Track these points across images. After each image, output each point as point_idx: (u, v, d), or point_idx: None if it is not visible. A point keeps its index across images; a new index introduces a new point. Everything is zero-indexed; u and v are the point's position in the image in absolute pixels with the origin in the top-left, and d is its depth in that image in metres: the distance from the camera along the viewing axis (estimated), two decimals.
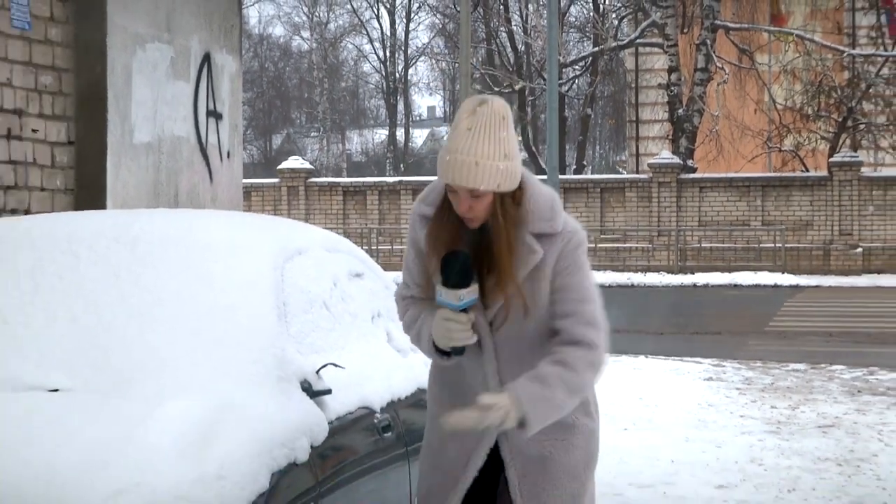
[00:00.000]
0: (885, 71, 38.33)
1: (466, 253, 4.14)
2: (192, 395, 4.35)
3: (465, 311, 4.12)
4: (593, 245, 35.55)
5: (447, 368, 4.34)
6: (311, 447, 4.52)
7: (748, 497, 8.59)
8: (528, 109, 45.39)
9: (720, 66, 38.41)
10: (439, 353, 4.24)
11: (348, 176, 55.14)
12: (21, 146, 8.37)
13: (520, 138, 39.81)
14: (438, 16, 60.83)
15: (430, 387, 4.52)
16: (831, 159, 36.22)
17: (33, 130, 8.47)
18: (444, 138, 4.08)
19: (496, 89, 45.58)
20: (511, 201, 4.15)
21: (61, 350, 4.63)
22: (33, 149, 8.48)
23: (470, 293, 4.12)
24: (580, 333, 4.20)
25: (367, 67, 70.86)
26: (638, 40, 41.71)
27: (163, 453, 3.93)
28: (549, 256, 4.20)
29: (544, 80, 35.58)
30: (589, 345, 4.20)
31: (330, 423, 4.73)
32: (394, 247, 35.17)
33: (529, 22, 45.03)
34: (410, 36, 66.78)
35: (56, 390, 4.46)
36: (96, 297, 4.80)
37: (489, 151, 4.05)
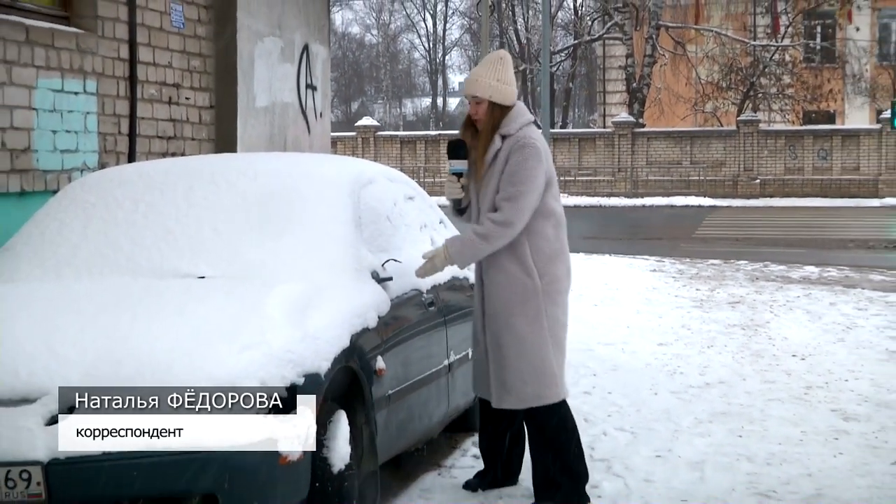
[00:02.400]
0: (776, 56, 38.01)
1: (463, 140, 4.78)
2: (296, 280, 4.35)
3: (459, 176, 4.75)
4: (573, 178, 35.47)
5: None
6: (378, 317, 4.52)
7: (680, 351, 8.59)
8: (528, 84, 45.04)
9: (662, 53, 38.11)
10: (455, 210, 5.00)
11: (404, 131, 54.80)
12: (178, 109, 8.36)
13: (521, 100, 39.58)
14: (466, 19, 60.68)
15: None
16: (738, 118, 36.01)
17: (186, 98, 8.45)
18: None
19: None
20: (500, 114, 4.71)
21: (206, 249, 4.63)
22: (187, 111, 8.46)
23: (459, 163, 4.75)
24: (498, 204, 4.67)
25: (416, 55, 70.51)
26: (605, 35, 41.32)
27: (276, 321, 3.93)
28: (505, 149, 4.70)
29: (539, 63, 35.27)
30: (499, 210, 4.65)
31: (391, 300, 4.72)
32: (435, 180, 35.03)
33: (529, 23, 44.63)
34: (447, 33, 66.53)
35: (203, 277, 4.47)
36: (230, 212, 4.79)
37: (486, 74, 4.72)
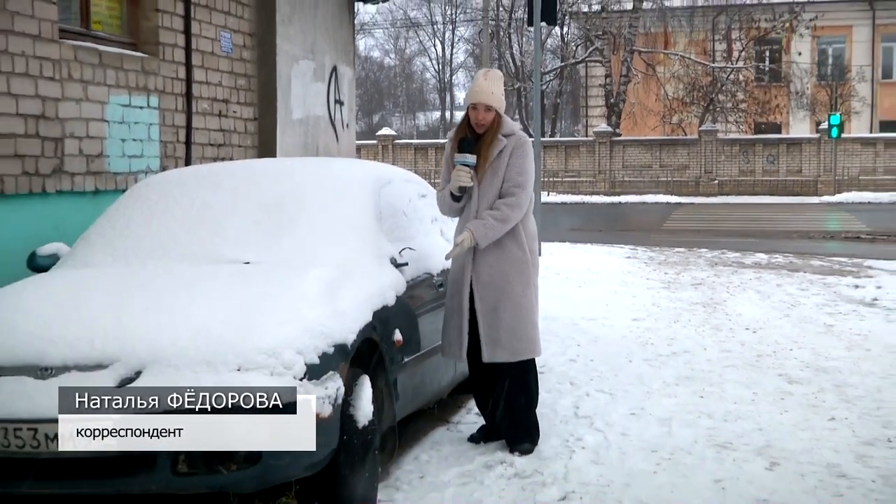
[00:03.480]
0: (731, 76, 37.85)
1: (472, 137, 4.75)
2: (327, 265, 4.34)
3: (467, 166, 4.70)
4: (560, 179, 35.39)
5: (458, 222, 4.93)
6: (396, 296, 4.52)
7: (651, 325, 8.57)
8: (522, 99, 44.86)
9: (635, 73, 37.96)
10: (452, 197, 4.81)
11: (417, 139, 54.67)
12: (227, 121, 8.35)
13: (517, 118, 39.52)
14: (470, 45, 60.57)
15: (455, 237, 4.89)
16: (700, 128, 35.91)
17: (234, 112, 8.44)
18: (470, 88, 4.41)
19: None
20: (499, 119, 4.77)
21: (250, 239, 4.62)
22: (234, 123, 8.46)
23: (471, 156, 4.71)
24: (510, 191, 4.72)
25: (428, 75, 70.36)
26: (587, 59, 41.13)
27: (309, 299, 3.92)
28: (509, 146, 4.76)
29: (532, 82, 35.15)
30: (513, 196, 4.70)
31: (407, 282, 4.72)
32: None
33: (522, 48, 44.44)
34: (454, 56, 66.32)
35: (248, 263, 4.46)
36: (270, 207, 4.79)
37: (497, 89, 4.74)
